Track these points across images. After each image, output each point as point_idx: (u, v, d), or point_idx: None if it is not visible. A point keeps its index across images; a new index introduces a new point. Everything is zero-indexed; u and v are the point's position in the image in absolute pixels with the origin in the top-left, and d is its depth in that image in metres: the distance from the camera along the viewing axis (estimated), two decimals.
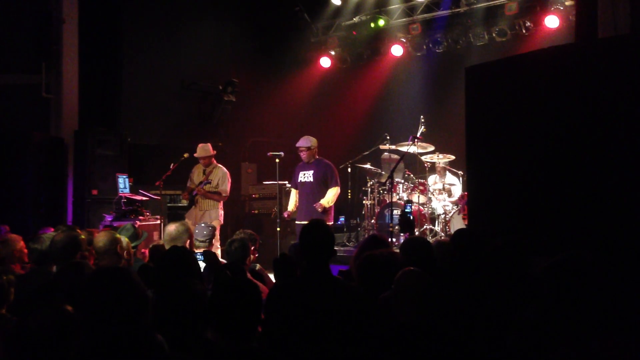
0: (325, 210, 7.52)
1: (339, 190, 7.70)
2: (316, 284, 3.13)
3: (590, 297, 2.27)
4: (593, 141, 4.19)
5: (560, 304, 2.33)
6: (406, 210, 5.84)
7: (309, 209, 7.55)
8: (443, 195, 8.89)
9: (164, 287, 2.86)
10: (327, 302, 3.01)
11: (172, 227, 4.96)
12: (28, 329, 2.32)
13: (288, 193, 8.51)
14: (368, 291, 3.37)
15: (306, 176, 7.70)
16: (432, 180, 9.16)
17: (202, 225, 5.31)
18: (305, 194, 7.68)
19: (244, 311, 2.58)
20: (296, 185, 7.84)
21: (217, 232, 7.15)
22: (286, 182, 8.99)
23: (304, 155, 7.66)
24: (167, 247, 4.65)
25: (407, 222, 5.16)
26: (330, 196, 7.56)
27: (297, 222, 7.80)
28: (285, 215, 7.96)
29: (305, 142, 7.62)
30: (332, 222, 7.76)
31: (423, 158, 9.15)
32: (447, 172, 9.19)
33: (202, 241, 5.10)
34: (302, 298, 3.07)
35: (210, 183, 7.87)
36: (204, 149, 8.05)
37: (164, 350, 1.97)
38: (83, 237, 4.14)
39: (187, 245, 4.85)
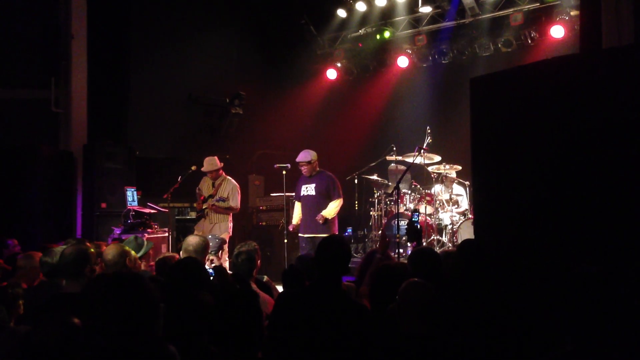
0: (327, 222, 7.52)
1: (341, 202, 7.71)
2: (324, 296, 3.15)
3: (596, 311, 2.28)
4: (598, 151, 4.19)
5: (565, 317, 2.34)
6: (413, 219, 5.81)
7: (312, 222, 7.56)
8: (450, 207, 8.87)
9: (173, 298, 2.86)
10: (333, 314, 3.02)
11: (194, 240, 4.90)
12: (35, 341, 2.34)
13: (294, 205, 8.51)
14: (380, 302, 3.37)
15: (308, 189, 7.70)
16: (438, 191, 9.13)
17: (210, 237, 5.32)
18: (308, 207, 7.68)
19: (246, 322, 2.59)
20: (299, 198, 7.84)
21: (226, 245, 7.16)
22: (293, 194, 9.00)
23: (304, 169, 7.66)
24: (183, 256, 4.66)
25: (415, 231, 5.14)
26: (332, 208, 7.56)
27: (300, 234, 7.77)
28: (290, 229, 7.93)
29: (305, 156, 7.62)
30: (337, 232, 7.73)
31: (430, 169, 9.15)
32: (454, 183, 9.16)
33: (209, 252, 5.11)
34: (308, 308, 3.09)
35: (224, 201, 7.88)
36: (211, 163, 8.07)
37: None
38: (92, 250, 4.16)
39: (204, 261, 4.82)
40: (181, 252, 4.95)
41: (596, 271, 2.49)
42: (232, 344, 2.55)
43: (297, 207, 7.92)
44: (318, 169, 7.77)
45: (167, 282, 3.72)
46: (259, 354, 2.71)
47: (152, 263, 5.33)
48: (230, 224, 8.07)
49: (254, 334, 2.62)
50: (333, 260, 3.23)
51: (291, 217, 8.14)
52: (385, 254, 4.41)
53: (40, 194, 8.54)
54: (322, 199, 7.60)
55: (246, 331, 2.58)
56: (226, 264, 6.78)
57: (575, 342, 2.31)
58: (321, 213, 7.48)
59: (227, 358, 2.49)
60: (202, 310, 2.67)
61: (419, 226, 5.64)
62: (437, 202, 8.89)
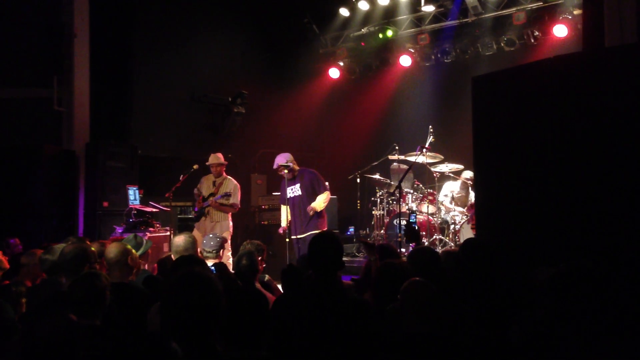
0: (317, 219, 7.51)
1: (329, 194, 7.71)
2: (322, 293, 3.14)
3: (592, 305, 2.28)
4: (600, 149, 4.19)
5: (563, 312, 2.33)
6: (410, 220, 5.79)
7: (303, 222, 7.54)
8: (452, 205, 8.86)
9: None
10: (333, 312, 3.02)
11: (180, 240, 4.94)
12: (36, 338, 2.35)
13: None
14: (383, 300, 3.37)
15: (294, 190, 7.67)
16: (449, 189, 9.07)
17: (211, 236, 5.30)
18: (297, 207, 7.63)
19: (252, 320, 2.58)
20: (285, 201, 7.77)
21: (228, 244, 7.16)
22: None
23: (285, 172, 7.59)
24: (174, 257, 4.67)
25: (412, 232, 5.12)
26: (321, 200, 7.54)
27: (292, 236, 7.68)
28: (280, 231, 7.85)
29: (283, 159, 7.59)
30: (326, 229, 7.70)
31: (432, 168, 9.14)
32: (463, 183, 9.11)
33: (210, 252, 5.09)
34: (307, 308, 3.08)
35: (230, 195, 7.90)
36: (216, 157, 8.22)
37: (178, 358, 1.96)
38: (93, 249, 4.15)
39: None
40: (172, 255, 4.96)
41: (594, 267, 2.48)
42: (237, 342, 2.54)
43: (284, 209, 7.85)
44: (297, 168, 7.74)
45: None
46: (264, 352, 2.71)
47: (152, 261, 5.33)
48: (231, 223, 8.10)
49: (259, 333, 2.61)
50: (325, 256, 3.23)
51: (280, 220, 8.09)
52: (389, 250, 4.39)
53: (43, 192, 8.54)
54: (309, 197, 7.58)
55: (250, 330, 2.57)
56: (230, 262, 6.79)
57: (573, 339, 2.31)
58: (311, 205, 7.45)
59: (231, 357, 2.48)
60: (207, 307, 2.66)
61: (416, 227, 5.63)
62: (449, 198, 8.86)
